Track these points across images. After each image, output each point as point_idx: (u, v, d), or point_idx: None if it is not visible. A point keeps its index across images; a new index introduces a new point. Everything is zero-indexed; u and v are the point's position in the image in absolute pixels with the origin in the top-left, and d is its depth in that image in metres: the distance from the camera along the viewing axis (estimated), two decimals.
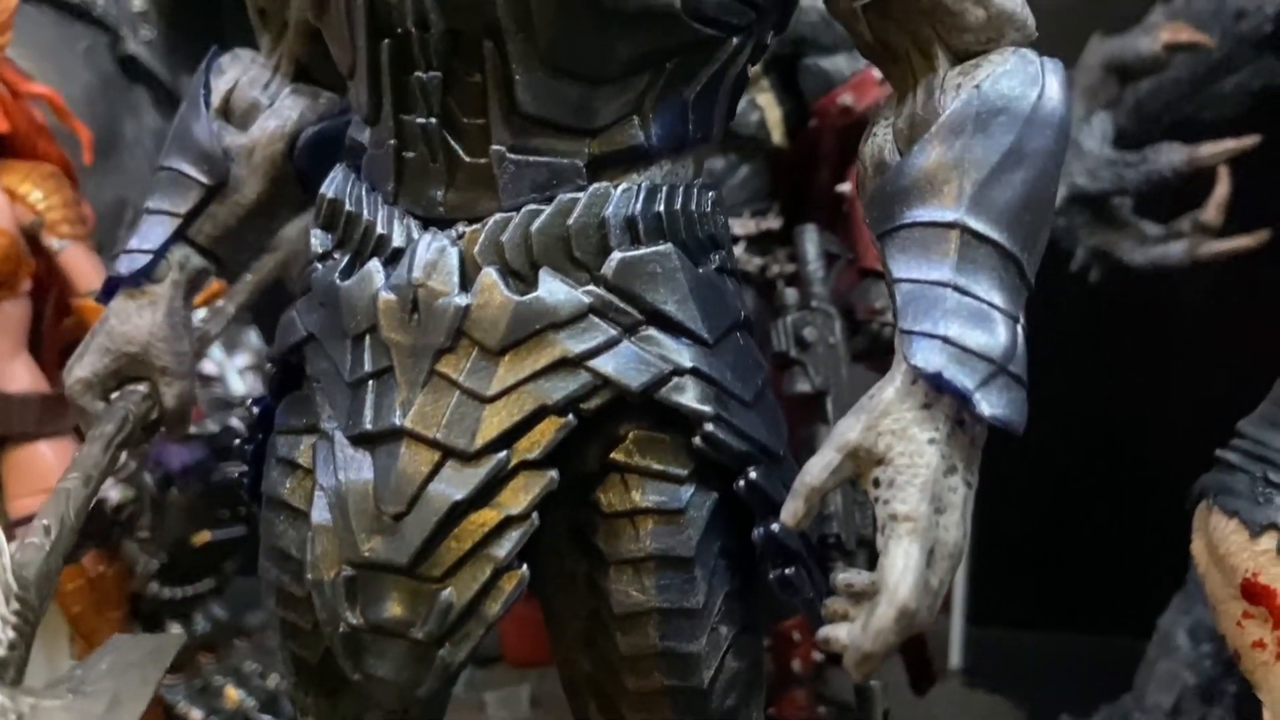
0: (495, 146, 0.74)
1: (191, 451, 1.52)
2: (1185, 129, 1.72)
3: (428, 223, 0.77)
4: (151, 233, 0.96)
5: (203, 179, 0.95)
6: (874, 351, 1.25)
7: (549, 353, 0.74)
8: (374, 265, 0.78)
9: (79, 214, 1.29)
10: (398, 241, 0.77)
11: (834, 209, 1.37)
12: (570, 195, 0.75)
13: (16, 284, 1.26)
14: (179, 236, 0.96)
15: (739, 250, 1.37)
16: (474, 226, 0.76)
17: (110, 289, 0.97)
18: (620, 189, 0.75)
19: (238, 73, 0.98)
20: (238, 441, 0.92)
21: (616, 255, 0.75)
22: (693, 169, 0.81)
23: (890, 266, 0.72)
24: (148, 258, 0.95)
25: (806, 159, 1.39)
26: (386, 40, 0.74)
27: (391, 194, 0.79)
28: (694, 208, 0.79)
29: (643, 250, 0.75)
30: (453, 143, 0.75)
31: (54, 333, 1.33)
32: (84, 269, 1.29)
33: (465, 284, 0.75)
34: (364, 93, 0.78)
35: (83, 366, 0.96)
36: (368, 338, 0.77)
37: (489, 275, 0.74)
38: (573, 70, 0.73)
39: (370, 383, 0.77)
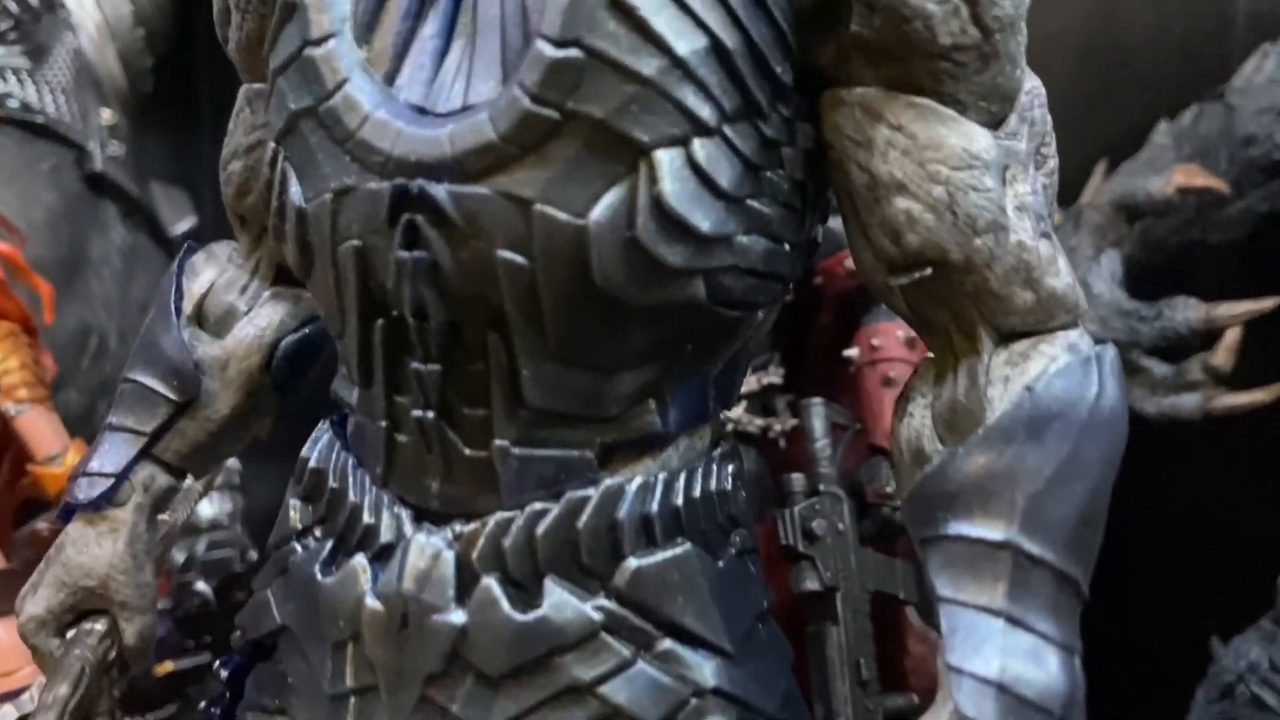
0: (498, 441, 0.67)
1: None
2: (1191, 252, 1.68)
3: (420, 514, 0.70)
4: (114, 453, 0.89)
5: (172, 395, 0.88)
6: (884, 534, 1.19)
7: (555, 679, 0.66)
8: (359, 562, 0.70)
9: (37, 375, 1.21)
10: (386, 535, 0.70)
11: (838, 374, 1.30)
12: (579, 493, 0.67)
13: None
14: (144, 455, 0.89)
15: (739, 411, 1.31)
16: (472, 526, 0.68)
17: (67, 514, 0.89)
18: (635, 485, 0.68)
19: (213, 274, 0.91)
20: (205, 706, 0.84)
21: (631, 563, 0.67)
22: (710, 437, 0.74)
23: (934, 579, 0.66)
24: (109, 482, 0.88)
25: (808, 315, 1.33)
26: (380, 321, 0.67)
27: (381, 478, 0.71)
28: (714, 487, 0.72)
29: (659, 556, 0.68)
30: (451, 435, 0.68)
31: (8, 498, 1.24)
32: (42, 434, 1.21)
33: (462, 596, 0.67)
34: (353, 361, 0.71)
35: (36, 602, 0.88)
36: (350, 647, 0.70)
37: (489, 589, 0.67)
38: (584, 361, 0.66)
39: (352, 699, 0.70)
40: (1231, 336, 1.50)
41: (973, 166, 0.65)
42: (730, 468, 0.74)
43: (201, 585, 1.45)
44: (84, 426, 1.45)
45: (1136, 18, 1.85)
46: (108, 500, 0.88)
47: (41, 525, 1.27)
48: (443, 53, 0.65)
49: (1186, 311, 1.46)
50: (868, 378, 1.27)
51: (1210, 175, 1.51)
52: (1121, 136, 1.79)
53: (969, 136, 0.65)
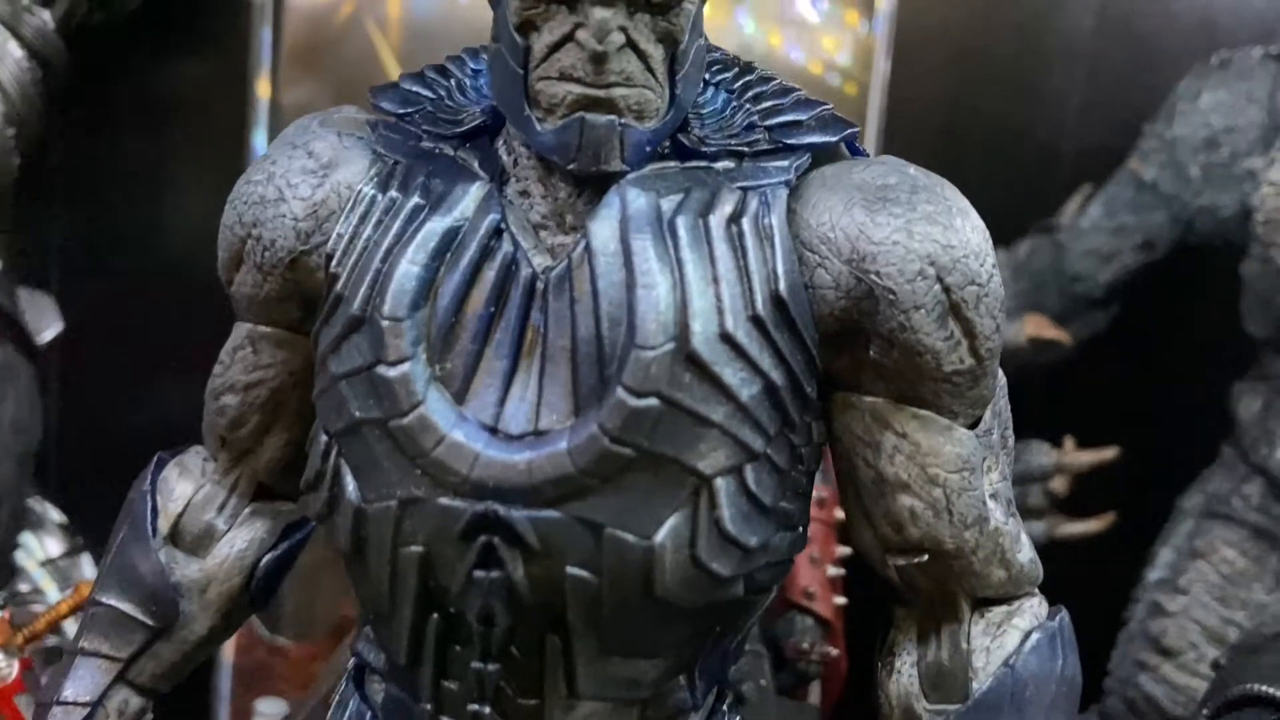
0: None
1: None
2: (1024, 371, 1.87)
3: None
4: (87, 679, 0.87)
5: (149, 621, 0.87)
6: (799, 686, 1.28)
7: None
8: None
9: None
10: None
11: None
12: None
13: None
14: (118, 680, 0.87)
15: None
16: None
17: None
18: None
19: (188, 489, 0.90)
20: None
21: None
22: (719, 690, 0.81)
23: None
24: (84, 711, 0.86)
25: None
26: (435, 615, 0.71)
27: None
28: None
29: None
30: None
31: None
32: None
33: None
34: (399, 646, 0.73)
35: None
36: None
37: None
38: (632, 651, 0.72)
39: None
40: (1075, 467, 1.69)
41: (964, 470, 0.75)
42: (738, 717, 0.81)
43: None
44: None
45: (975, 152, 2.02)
46: None
47: None
48: (510, 374, 0.69)
49: (1040, 457, 1.63)
50: None
51: (1055, 326, 1.69)
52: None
53: (960, 442, 0.75)
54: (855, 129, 0.77)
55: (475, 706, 0.71)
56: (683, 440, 0.66)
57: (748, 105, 0.75)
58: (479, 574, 0.68)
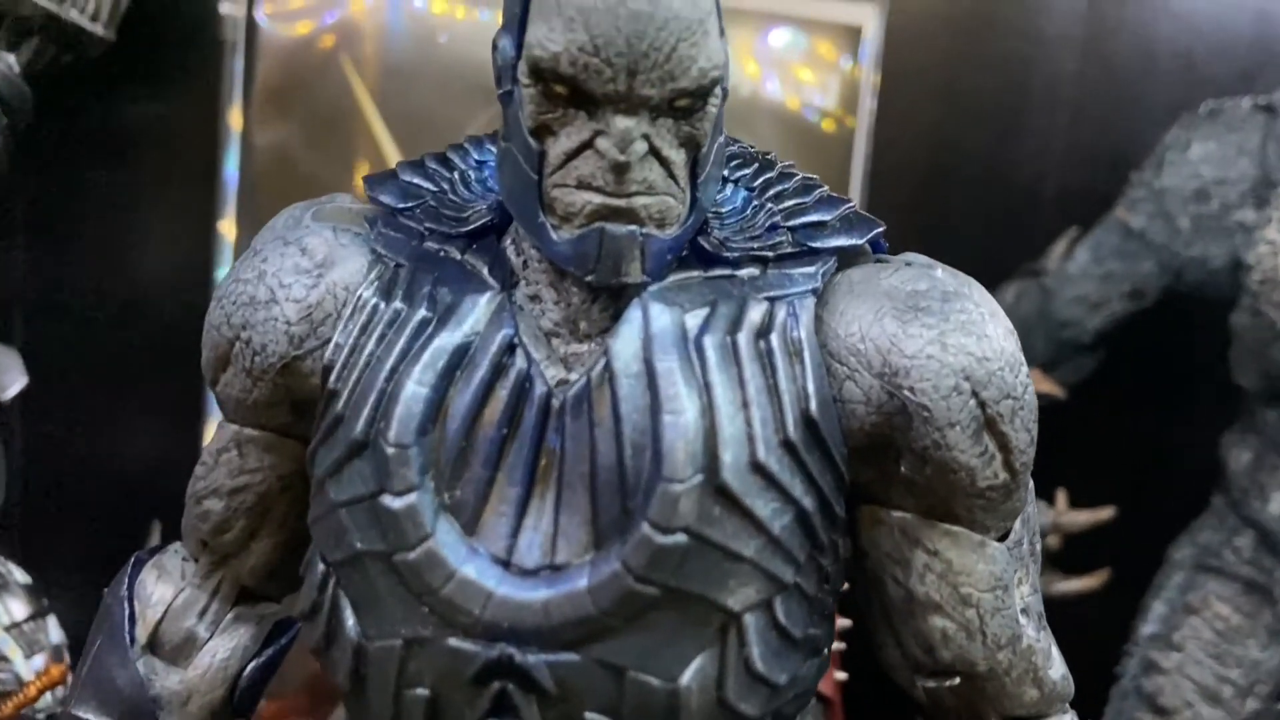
0: None
1: None
2: None
3: None
4: None
5: None
6: None
7: None
8: None
9: None
10: None
11: None
12: None
13: None
14: None
15: None
16: None
17: None
18: None
19: (167, 594, 0.85)
20: None
21: None
22: None
23: None
24: None
25: None
26: None
27: None
28: None
29: None
30: None
31: None
32: None
33: None
34: None
35: None
36: None
37: None
38: None
39: None
40: (1069, 527, 1.67)
41: (997, 589, 0.71)
42: None
43: None
44: None
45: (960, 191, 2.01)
46: None
47: None
48: (524, 501, 0.65)
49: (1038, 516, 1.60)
50: None
51: (1047, 378, 1.67)
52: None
53: (993, 559, 0.71)
54: (881, 228, 0.74)
55: None
56: (712, 577, 0.62)
57: (769, 204, 0.72)
58: None
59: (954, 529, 0.70)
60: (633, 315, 0.65)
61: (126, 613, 0.84)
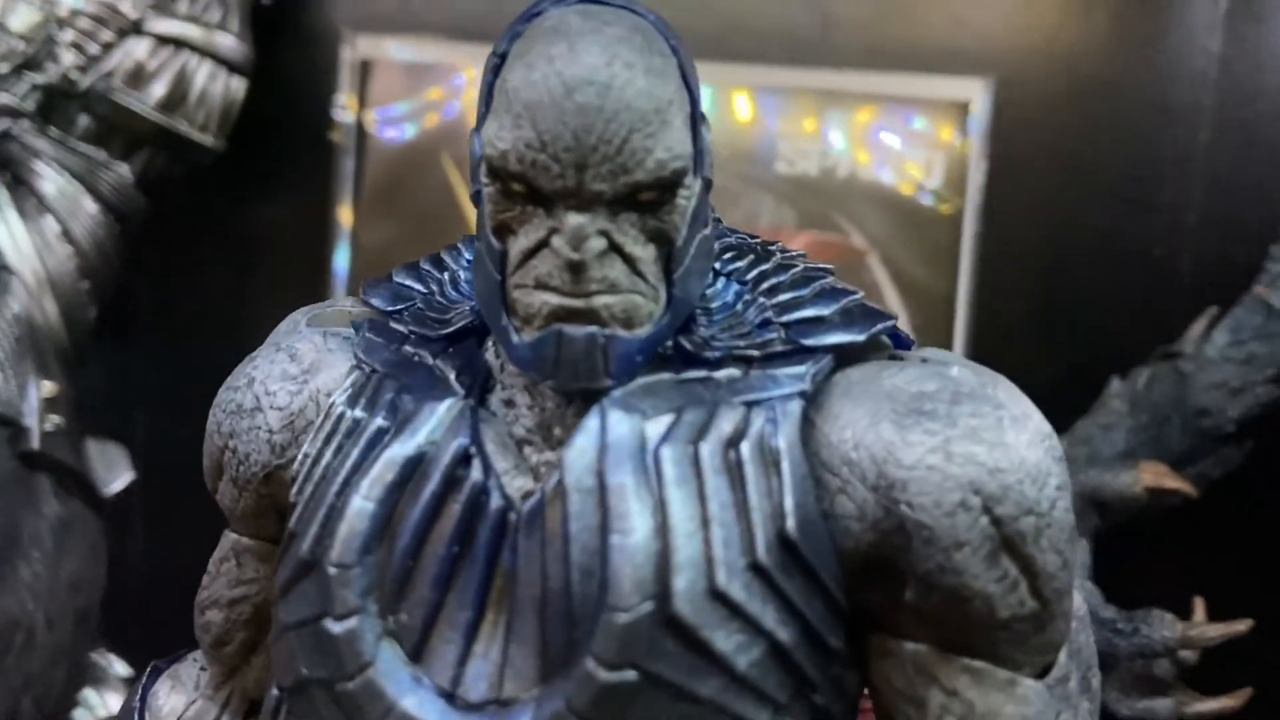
0: None
1: None
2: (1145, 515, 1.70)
3: None
4: None
5: None
6: None
7: None
8: None
9: None
10: None
11: None
12: None
13: None
14: None
15: None
16: None
17: None
18: None
19: (179, 706, 0.84)
20: None
21: None
22: None
23: None
24: None
25: None
26: None
27: None
28: None
29: None
30: None
31: None
32: None
33: None
34: None
35: None
36: None
37: None
38: None
39: None
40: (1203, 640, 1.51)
41: None
42: None
43: None
44: None
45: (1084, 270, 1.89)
46: None
47: None
48: (474, 626, 0.60)
49: (1163, 630, 1.46)
50: None
51: (1175, 475, 1.53)
52: (1071, 380, 1.82)
53: (1025, 700, 0.62)
54: (890, 322, 0.67)
55: None
56: (664, 719, 0.56)
57: (761, 299, 0.66)
58: None
59: (975, 664, 0.62)
60: (589, 424, 0.61)
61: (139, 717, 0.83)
